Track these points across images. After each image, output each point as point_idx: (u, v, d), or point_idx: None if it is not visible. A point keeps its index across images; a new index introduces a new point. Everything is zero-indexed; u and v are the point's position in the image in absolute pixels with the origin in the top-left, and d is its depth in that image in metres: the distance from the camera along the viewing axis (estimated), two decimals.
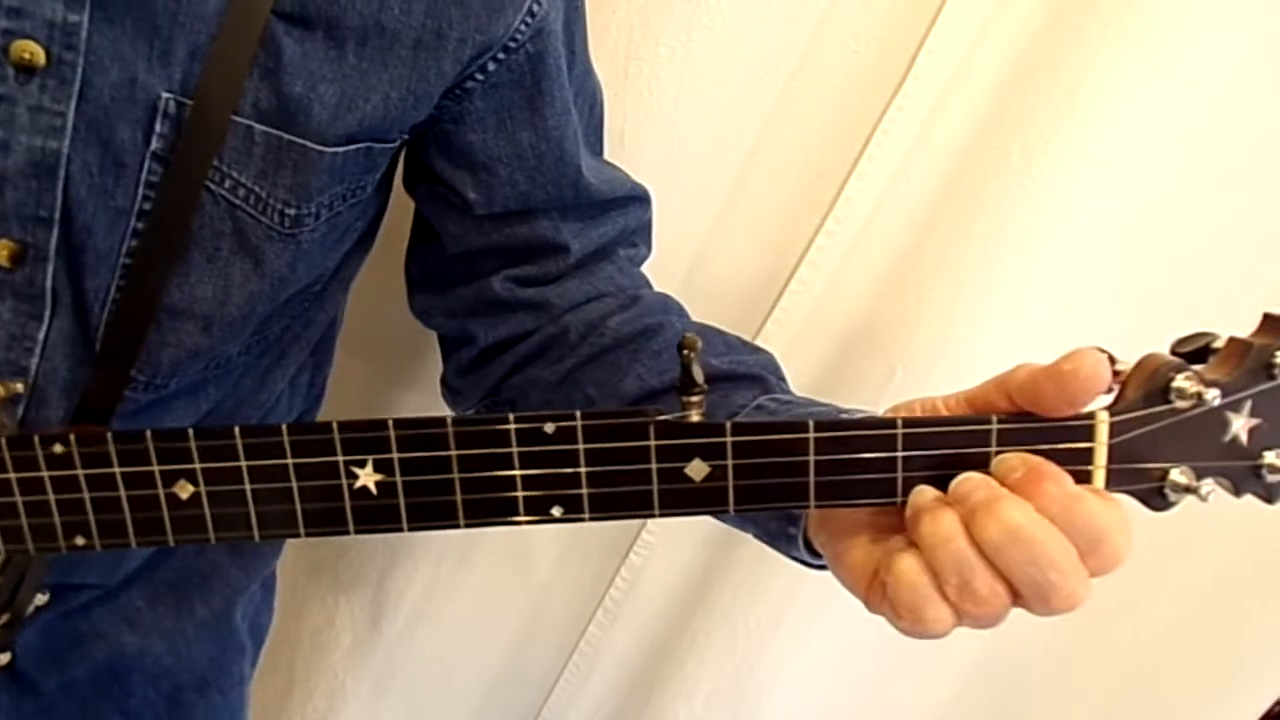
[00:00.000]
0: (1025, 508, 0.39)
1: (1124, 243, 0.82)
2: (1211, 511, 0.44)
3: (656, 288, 0.69)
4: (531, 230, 0.64)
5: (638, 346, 0.61)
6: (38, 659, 0.62)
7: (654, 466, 0.43)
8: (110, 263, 0.51)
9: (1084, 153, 0.77)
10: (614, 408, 0.59)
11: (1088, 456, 0.42)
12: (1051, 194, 0.78)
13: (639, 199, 0.69)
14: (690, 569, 0.98)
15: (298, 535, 0.45)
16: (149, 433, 0.44)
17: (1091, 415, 0.42)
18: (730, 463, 0.43)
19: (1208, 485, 0.42)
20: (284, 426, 0.43)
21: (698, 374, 0.43)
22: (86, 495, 0.45)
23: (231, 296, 0.55)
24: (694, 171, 0.83)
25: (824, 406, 0.54)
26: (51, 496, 0.45)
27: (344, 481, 0.44)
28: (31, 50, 0.46)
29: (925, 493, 0.42)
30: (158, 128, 0.49)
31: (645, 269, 0.71)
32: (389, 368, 0.93)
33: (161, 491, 0.44)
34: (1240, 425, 0.41)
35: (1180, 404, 0.41)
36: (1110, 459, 0.42)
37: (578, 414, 0.43)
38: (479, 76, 0.58)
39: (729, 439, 0.43)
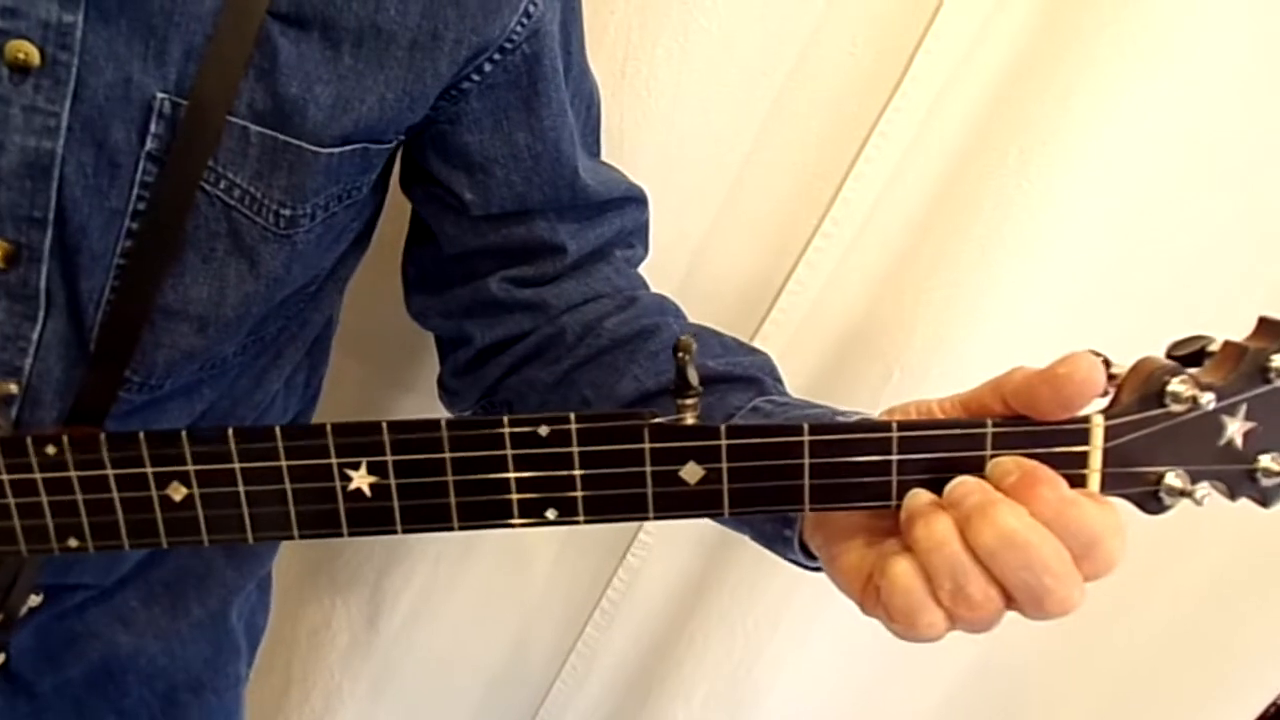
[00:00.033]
0: (1019, 512, 0.39)
1: (1121, 244, 0.82)
2: (1206, 515, 0.43)
3: (654, 288, 0.69)
4: (528, 231, 0.64)
5: (634, 348, 0.61)
6: (32, 659, 0.62)
7: (648, 469, 0.43)
8: (105, 263, 0.51)
9: (1081, 154, 0.77)
10: (609, 410, 0.59)
11: (1083, 460, 0.42)
12: (1048, 195, 0.78)
13: (636, 200, 0.69)
14: (688, 570, 0.98)
15: (291, 537, 0.45)
16: (142, 435, 0.44)
17: (1086, 419, 0.41)
18: (725, 466, 0.43)
19: (1203, 489, 0.42)
20: (278, 429, 0.43)
21: (692, 377, 0.43)
22: (80, 497, 0.45)
23: (226, 297, 0.55)
24: (691, 172, 0.83)
25: (820, 408, 0.53)
26: (44, 498, 0.45)
27: (338, 484, 0.44)
28: (26, 50, 0.46)
29: (920, 496, 0.42)
30: (153, 128, 0.49)
31: (643, 270, 0.71)
32: (385, 368, 0.93)
33: (155, 493, 0.44)
34: (1235, 429, 0.41)
35: (1175, 408, 0.41)
36: (1105, 463, 0.42)
37: (572, 416, 0.43)
38: (475, 77, 0.58)
39: (723, 442, 0.42)
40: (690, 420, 0.43)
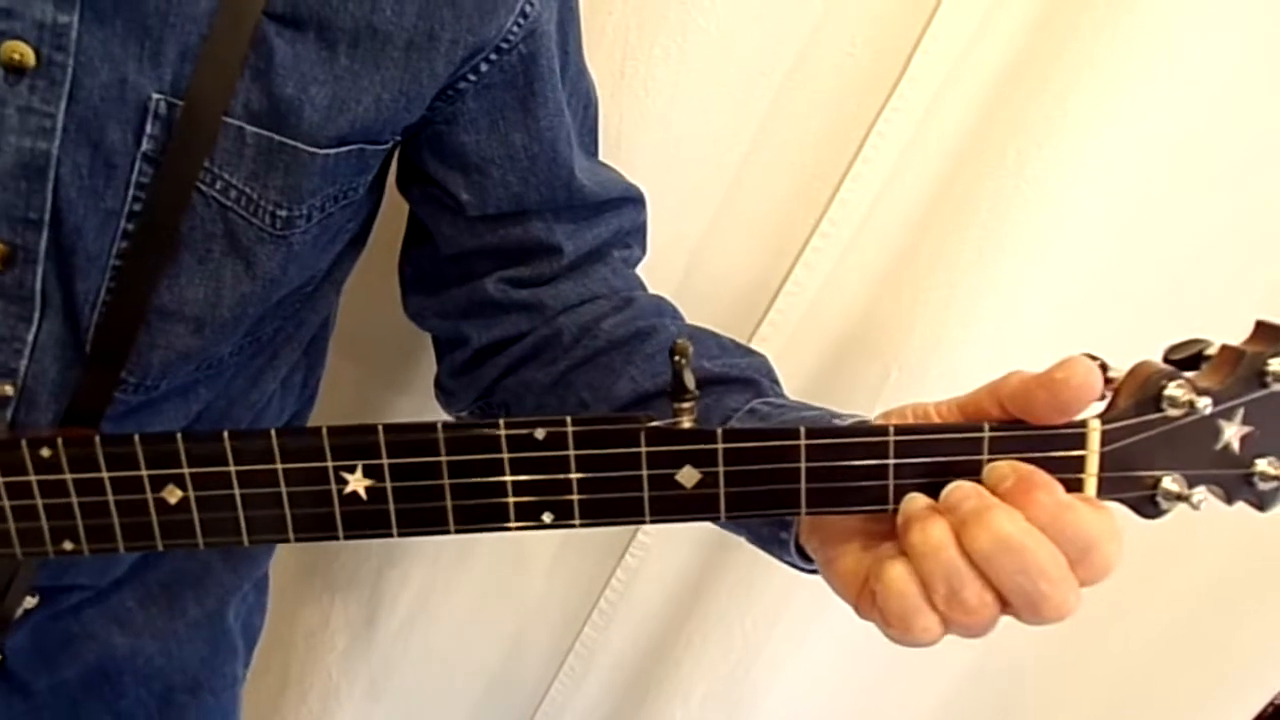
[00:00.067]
0: (1015, 517, 0.39)
1: (1119, 244, 0.82)
2: (1203, 520, 0.43)
3: (651, 289, 0.69)
4: (525, 231, 0.63)
5: (631, 349, 0.61)
6: (28, 660, 0.62)
7: (645, 473, 0.43)
8: (100, 264, 0.51)
9: (1078, 155, 0.77)
10: (605, 413, 0.59)
11: (1079, 464, 0.42)
12: (1046, 196, 0.78)
13: (633, 200, 0.69)
14: (686, 570, 0.98)
15: (287, 540, 0.45)
16: (138, 437, 0.44)
17: (1083, 423, 0.41)
18: (721, 469, 0.43)
19: (1200, 493, 0.42)
20: (273, 431, 0.43)
21: (689, 380, 0.43)
22: (74, 500, 0.44)
23: (223, 298, 0.55)
24: (689, 173, 0.83)
25: (817, 410, 0.53)
26: (39, 501, 0.45)
27: (334, 487, 0.44)
28: (21, 51, 0.46)
29: (916, 500, 0.42)
30: (148, 129, 0.49)
31: (640, 270, 0.71)
32: (382, 369, 0.93)
33: (150, 496, 0.44)
34: (1232, 433, 0.41)
35: (1172, 412, 0.41)
36: (1102, 467, 0.42)
37: (568, 420, 0.43)
38: (471, 77, 0.58)
39: (720, 445, 0.42)
40: (687, 424, 0.43)
